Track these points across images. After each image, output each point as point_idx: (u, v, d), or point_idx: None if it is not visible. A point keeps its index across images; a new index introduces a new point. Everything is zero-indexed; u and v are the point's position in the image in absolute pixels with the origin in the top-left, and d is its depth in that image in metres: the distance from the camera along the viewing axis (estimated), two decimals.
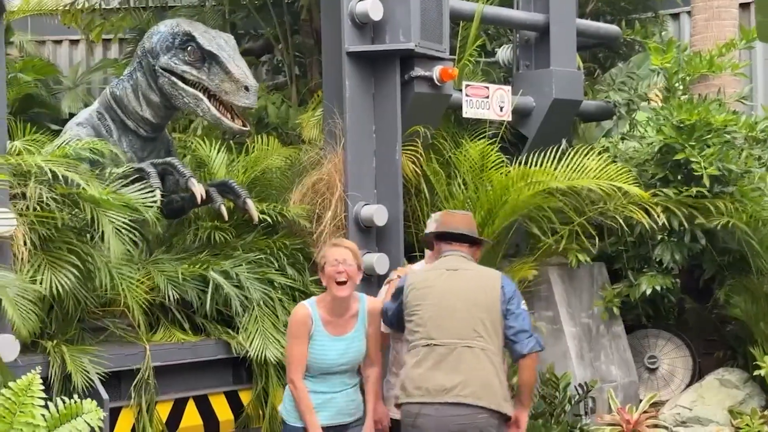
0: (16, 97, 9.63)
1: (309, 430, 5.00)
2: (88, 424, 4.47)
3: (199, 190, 6.27)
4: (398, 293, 5.09)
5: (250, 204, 6.55)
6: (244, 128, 6.46)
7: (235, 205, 6.73)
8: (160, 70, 6.42)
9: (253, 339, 6.17)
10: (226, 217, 6.53)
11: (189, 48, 6.34)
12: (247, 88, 6.24)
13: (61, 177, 5.47)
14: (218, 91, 6.28)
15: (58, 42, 12.74)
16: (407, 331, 4.99)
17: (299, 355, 5.00)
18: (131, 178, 6.12)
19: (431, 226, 5.39)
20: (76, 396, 4.64)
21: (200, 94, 6.34)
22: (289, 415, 5.13)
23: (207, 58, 6.33)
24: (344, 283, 4.99)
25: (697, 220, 7.62)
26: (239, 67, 6.29)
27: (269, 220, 6.80)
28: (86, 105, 11.17)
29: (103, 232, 5.47)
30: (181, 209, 6.81)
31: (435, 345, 4.83)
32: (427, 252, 5.66)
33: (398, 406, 4.93)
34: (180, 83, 6.38)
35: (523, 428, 5.08)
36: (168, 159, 6.55)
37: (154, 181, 6.17)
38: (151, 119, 6.65)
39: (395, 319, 5.14)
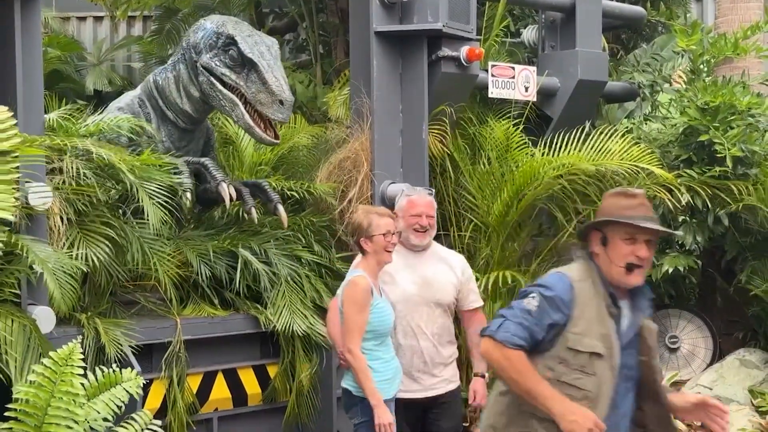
0: (43, 72, 9.70)
1: (372, 397, 4.98)
2: (128, 392, 4.56)
3: (228, 195, 6.24)
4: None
5: (281, 210, 6.48)
6: (275, 141, 6.39)
7: (265, 208, 6.72)
8: (201, 68, 6.36)
9: (280, 314, 6.26)
10: (256, 220, 6.48)
11: (230, 51, 6.24)
12: (282, 102, 6.14)
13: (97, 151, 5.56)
14: (253, 101, 6.20)
15: (83, 18, 12.78)
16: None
17: (362, 323, 5.01)
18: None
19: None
20: (115, 366, 4.73)
21: (236, 99, 6.26)
22: (359, 388, 5.13)
23: (246, 65, 6.22)
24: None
25: (719, 202, 7.66)
26: (277, 80, 6.16)
27: (296, 196, 6.89)
28: (110, 82, 11.37)
29: (137, 205, 5.57)
30: (215, 201, 6.74)
31: None
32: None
33: None
34: (218, 85, 6.31)
35: None
36: (202, 160, 6.48)
37: (186, 181, 6.17)
38: (191, 113, 6.61)
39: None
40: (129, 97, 6.83)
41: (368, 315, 5.03)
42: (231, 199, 6.30)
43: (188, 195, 6.12)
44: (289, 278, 6.44)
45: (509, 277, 7.21)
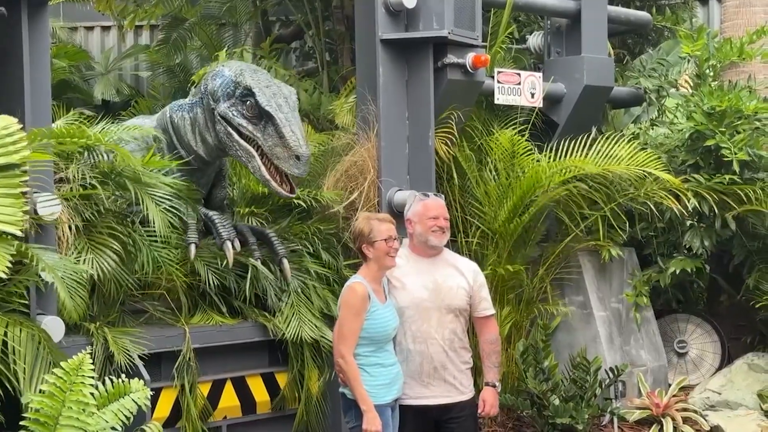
0: (51, 82, 9.74)
1: (363, 402, 5.08)
2: (136, 403, 4.59)
3: (231, 257, 6.17)
4: None
5: (286, 265, 6.40)
6: (291, 194, 6.27)
7: (270, 257, 6.55)
8: (218, 117, 6.24)
9: (289, 323, 6.27)
10: (259, 266, 6.36)
11: (248, 102, 6.14)
12: (298, 158, 6.04)
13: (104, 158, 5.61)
14: (270, 155, 6.10)
15: (90, 28, 12.85)
16: None
17: (356, 330, 5.11)
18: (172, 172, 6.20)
19: None
20: (123, 376, 4.75)
21: (253, 151, 6.16)
22: (370, 396, 5.18)
23: (264, 117, 6.12)
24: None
25: (727, 207, 7.66)
26: (294, 134, 6.05)
27: (303, 205, 6.91)
28: (118, 91, 11.41)
29: (145, 213, 5.60)
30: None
31: None
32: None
33: None
34: (235, 135, 6.20)
35: None
36: (210, 214, 6.42)
37: (192, 236, 6.15)
38: (204, 156, 6.53)
39: None
40: (144, 128, 6.57)
41: (363, 321, 5.11)
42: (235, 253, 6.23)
43: (192, 249, 6.08)
44: (297, 287, 6.46)
45: (511, 269, 7.24)
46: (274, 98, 6.15)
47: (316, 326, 6.30)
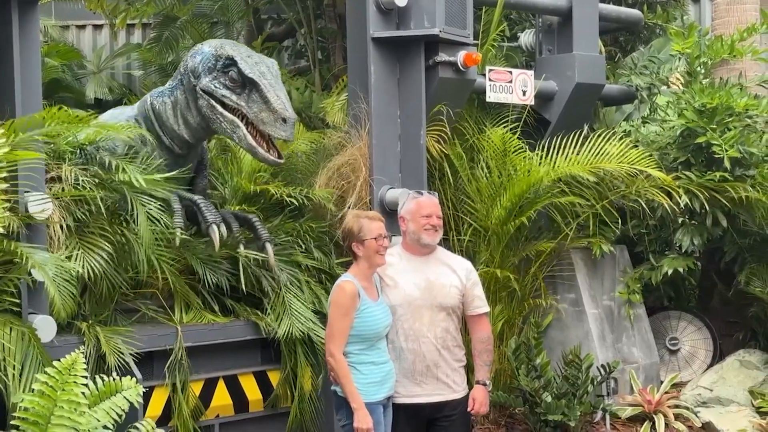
0: (42, 81, 9.73)
1: (353, 401, 5.12)
2: (128, 400, 4.59)
3: (218, 240, 6.17)
4: None
5: (269, 249, 6.41)
6: (279, 160, 6.26)
7: (253, 241, 6.59)
8: (200, 92, 6.21)
9: (281, 320, 6.28)
10: (243, 251, 6.39)
11: (230, 72, 6.12)
12: (284, 120, 6.02)
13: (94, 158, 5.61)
14: (256, 120, 6.08)
15: (82, 27, 12.83)
16: None
17: (345, 329, 5.14)
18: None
19: None
20: (115, 374, 4.75)
21: (238, 121, 6.14)
22: (361, 393, 5.21)
23: (247, 85, 6.10)
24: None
25: (718, 204, 7.68)
26: (279, 98, 6.05)
27: (295, 203, 6.91)
28: (110, 90, 11.40)
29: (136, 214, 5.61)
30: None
31: None
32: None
33: None
34: (219, 107, 6.17)
35: None
36: (195, 198, 6.39)
37: (178, 220, 6.12)
38: (187, 138, 6.47)
39: None
40: (125, 115, 6.70)
41: (352, 320, 5.13)
42: (221, 239, 6.22)
43: (178, 233, 6.07)
44: (288, 284, 6.47)
45: (500, 275, 7.25)
46: (257, 66, 6.14)
47: (310, 321, 6.30)
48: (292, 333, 6.25)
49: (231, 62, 6.13)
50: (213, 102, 6.19)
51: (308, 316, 6.35)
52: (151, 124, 6.52)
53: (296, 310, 6.34)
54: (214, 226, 6.21)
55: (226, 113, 6.17)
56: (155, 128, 6.50)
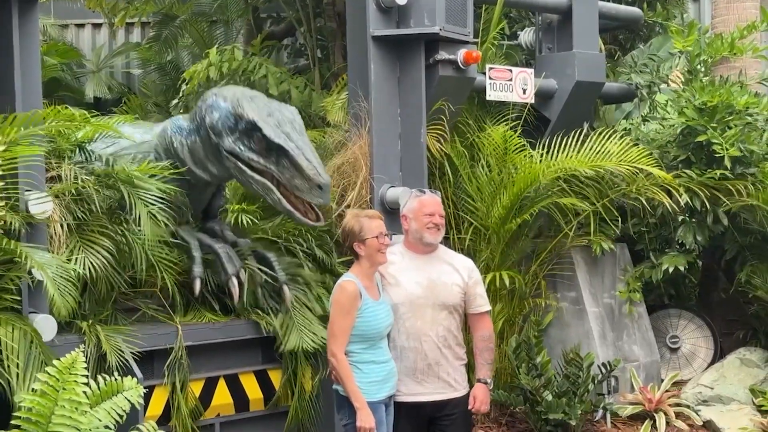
0: (42, 80, 9.73)
1: (355, 400, 5.11)
2: (128, 401, 4.58)
3: (236, 294, 6.08)
4: None
5: (286, 291, 6.29)
6: (318, 222, 6.05)
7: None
8: (226, 154, 5.91)
9: (289, 334, 6.25)
10: (260, 297, 6.32)
11: (254, 136, 5.82)
12: (320, 187, 5.79)
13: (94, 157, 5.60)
14: (290, 187, 5.83)
15: (81, 26, 12.83)
16: None
17: (347, 328, 5.14)
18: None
19: None
20: (116, 374, 4.75)
21: (270, 184, 5.87)
22: (363, 393, 5.20)
23: (275, 150, 5.81)
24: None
25: (719, 202, 7.68)
26: (310, 163, 5.76)
27: None
28: (109, 88, 11.39)
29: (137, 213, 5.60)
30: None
31: None
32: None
33: None
34: (248, 171, 5.88)
35: None
36: (216, 247, 6.19)
37: (197, 270, 6.05)
38: (207, 179, 6.23)
39: None
40: (147, 143, 6.35)
41: (354, 319, 5.13)
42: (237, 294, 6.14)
43: (197, 283, 6.03)
44: (293, 297, 6.43)
45: (506, 279, 7.25)
46: (280, 127, 5.85)
47: (319, 338, 6.25)
48: (301, 347, 6.23)
49: (253, 126, 5.82)
50: (241, 165, 5.91)
51: (317, 331, 6.30)
52: (172, 158, 6.24)
53: (306, 327, 6.30)
54: (234, 279, 6.11)
55: (257, 177, 5.90)
56: (176, 164, 6.24)
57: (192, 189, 6.34)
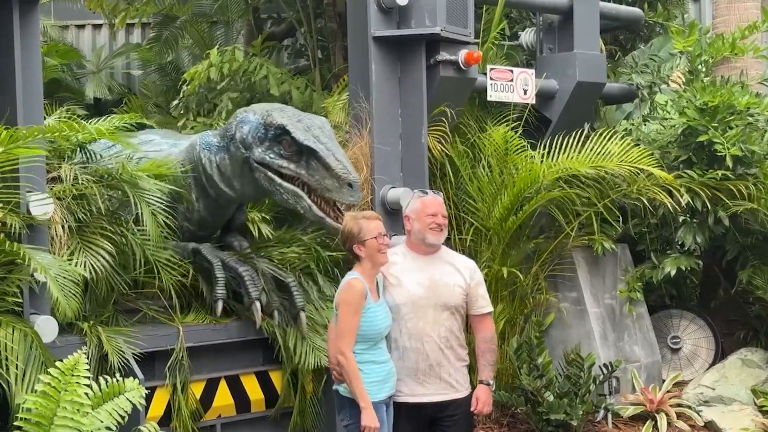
0: (42, 80, 9.74)
1: (361, 400, 5.10)
2: (131, 402, 4.58)
3: (259, 319, 6.08)
4: None
5: (303, 318, 6.24)
6: None
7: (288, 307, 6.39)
8: (255, 165, 5.95)
9: (300, 351, 6.23)
10: (277, 323, 6.22)
11: (284, 141, 5.88)
12: (351, 185, 5.80)
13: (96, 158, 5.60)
14: (320, 188, 5.84)
15: (81, 27, 12.84)
16: None
17: (355, 327, 5.13)
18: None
19: None
20: (118, 376, 4.75)
21: (300, 191, 5.90)
22: (347, 390, 5.22)
23: (305, 153, 5.86)
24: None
25: (720, 203, 7.68)
26: (340, 162, 5.80)
27: None
28: (110, 89, 11.40)
29: (138, 213, 5.60)
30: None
31: None
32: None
33: None
34: (278, 179, 5.93)
35: None
36: (240, 270, 6.16)
37: (220, 292, 6.05)
38: (233, 196, 6.29)
39: None
40: (173, 155, 6.39)
41: (359, 319, 5.13)
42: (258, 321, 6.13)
43: (220, 305, 6.04)
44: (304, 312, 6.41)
45: (505, 272, 7.24)
46: (310, 131, 5.90)
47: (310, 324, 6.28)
48: (308, 363, 6.21)
49: (283, 131, 5.89)
50: (270, 174, 5.95)
51: (311, 316, 6.30)
52: (198, 173, 6.30)
53: (322, 345, 6.24)
54: (257, 303, 6.09)
55: (286, 184, 5.93)
56: (202, 180, 6.30)
57: (215, 205, 6.39)
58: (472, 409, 5.47)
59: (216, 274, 6.10)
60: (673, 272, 7.87)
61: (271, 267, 6.39)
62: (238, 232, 6.68)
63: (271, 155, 5.93)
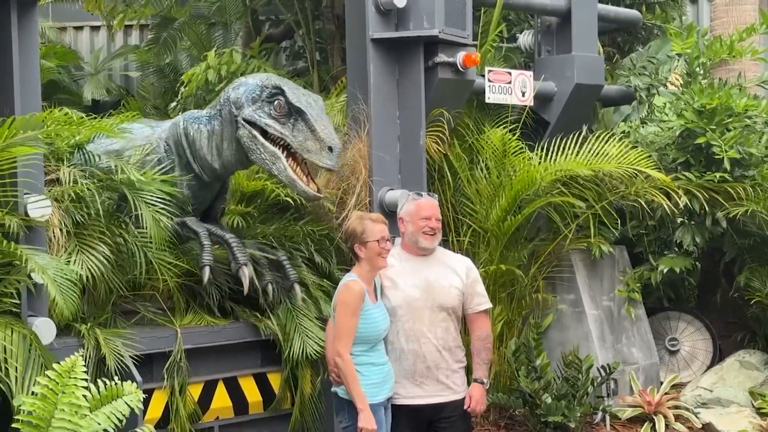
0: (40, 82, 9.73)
1: (359, 401, 5.09)
2: (128, 405, 4.57)
3: (247, 283, 6.09)
4: None
5: (297, 290, 6.34)
6: (319, 194, 6.16)
7: (280, 281, 6.46)
8: (242, 122, 6.06)
9: (292, 339, 6.23)
10: (271, 296, 6.31)
11: (276, 102, 6.00)
12: (331, 149, 5.89)
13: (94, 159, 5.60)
14: (300, 149, 5.95)
15: (79, 28, 12.83)
16: None
17: (353, 328, 5.13)
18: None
19: None
20: (117, 378, 4.74)
21: (278, 152, 6.00)
22: (345, 391, 5.22)
23: (293, 114, 5.98)
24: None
25: (718, 205, 7.68)
26: (325, 127, 5.94)
27: (292, 204, 6.92)
28: (108, 91, 11.39)
29: (138, 215, 5.60)
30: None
31: None
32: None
33: None
34: (260, 137, 6.03)
35: None
36: (226, 236, 6.24)
37: (207, 258, 6.06)
38: (218, 169, 6.34)
39: None
40: (155, 136, 6.49)
41: (357, 320, 5.13)
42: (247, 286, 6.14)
43: (207, 271, 6.03)
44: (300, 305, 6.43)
45: (503, 267, 7.25)
46: (304, 97, 6.05)
47: (320, 339, 6.24)
48: (305, 353, 6.22)
49: (278, 91, 6.03)
50: (255, 132, 6.05)
51: (320, 335, 6.27)
52: (182, 150, 6.37)
53: (309, 330, 6.28)
54: (244, 269, 6.11)
55: (266, 144, 6.03)
56: (186, 154, 6.37)
57: (201, 188, 6.42)
58: (465, 407, 5.47)
59: (202, 242, 6.13)
60: (665, 270, 7.89)
61: (259, 247, 6.47)
62: (215, 221, 6.67)
63: (260, 114, 6.05)
